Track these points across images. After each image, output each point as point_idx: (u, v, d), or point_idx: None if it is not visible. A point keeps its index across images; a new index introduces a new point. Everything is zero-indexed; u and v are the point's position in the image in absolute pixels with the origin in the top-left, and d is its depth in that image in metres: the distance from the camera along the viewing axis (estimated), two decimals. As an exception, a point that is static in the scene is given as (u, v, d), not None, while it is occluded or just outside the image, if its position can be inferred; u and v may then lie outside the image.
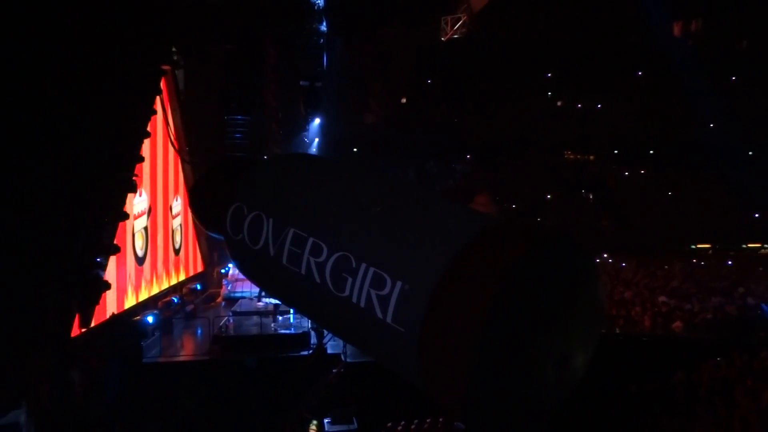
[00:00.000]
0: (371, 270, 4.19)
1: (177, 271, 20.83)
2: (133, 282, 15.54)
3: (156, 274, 17.84)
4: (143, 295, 16.30)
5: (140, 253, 16.35)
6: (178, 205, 21.04)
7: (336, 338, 14.36)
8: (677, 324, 18.23)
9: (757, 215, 37.92)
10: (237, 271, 21.19)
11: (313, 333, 15.41)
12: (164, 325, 16.13)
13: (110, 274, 12.56)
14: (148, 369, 13.36)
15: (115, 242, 11.85)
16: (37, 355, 9.16)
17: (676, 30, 38.81)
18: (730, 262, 31.38)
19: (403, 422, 12.63)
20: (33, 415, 8.82)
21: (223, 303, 20.56)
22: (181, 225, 21.36)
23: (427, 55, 41.04)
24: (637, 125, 39.73)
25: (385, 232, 4.38)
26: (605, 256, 30.07)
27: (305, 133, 28.13)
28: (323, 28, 21.06)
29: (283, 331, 15.70)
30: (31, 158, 8.28)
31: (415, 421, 12.66)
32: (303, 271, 4.62)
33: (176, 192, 20.92)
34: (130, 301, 15.10)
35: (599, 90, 41.46)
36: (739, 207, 37.89)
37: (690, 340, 17.13)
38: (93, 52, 9.36)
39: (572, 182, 41.31)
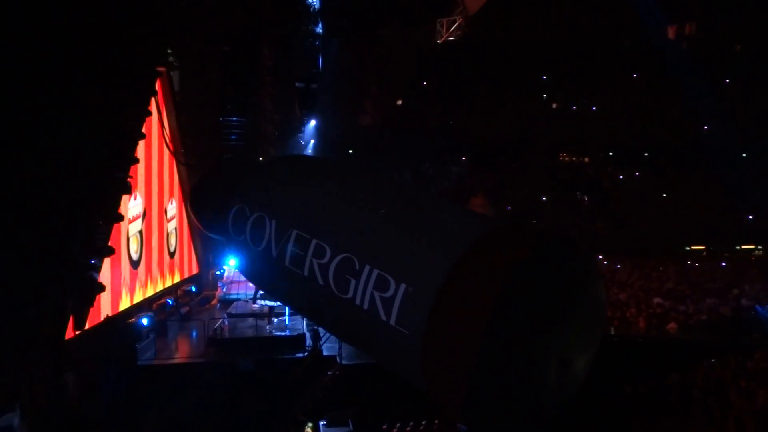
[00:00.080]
0: (375, 272, 4.19)
1: (172, 273, 20.75)
2: (128, 285, 15.48)
3: (151, 277, 17.76)
4: (138, 298, 16.23)
5: (135, 257, 16.26)
6: (173, 208, 20.97)
7: (332, 340, 14.36)
8: (672, 325, 18.28)
9: (751, 217, 38.08)
10: (232, 273, 21.19)
11: (308, 335, 15.38)
12: (159, 328, 16.06)
13: (105, 277, 12.50)
14: (142, 371, 13.31)
15: (109, 244, 11.82)
16: (31, 357, 9.12)
17: (671, 32, 38.94)
18: (724, 264, 31.47)
19: (398, 424, 12.62)
20: (27, 418, 8.77)
21: (218, 305, 20.49)
22: (176, 228, 21.31)
23: (422, 57, 41.11)
24: (633, 127, 39.88)
25: (389, 234, 4.38)
26: (600, 257, 30.11)
27: (301, 135, 28.13)
28: (319, 29, 21.05)
29: (278, 334, 15.66)
30: (25, 159, 8.25)
31: (411, 423, 12.65)
32: (306, 273, 4.62)
33: (171, 195, 20.85)
34: (124, 304, 15.02)
35: (595, 92, 41.60)
36: (734, 209, 38.04)
37: (685, 342, 17.18)
38: (88, 53, 9.34)
39: (568, 184, 41.40)
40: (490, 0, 35.79)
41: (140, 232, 16.74)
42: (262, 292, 16.97)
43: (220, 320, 16.82)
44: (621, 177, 42.84)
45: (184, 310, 18.84)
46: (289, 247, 4.75)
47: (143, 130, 14.21)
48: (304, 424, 12.75)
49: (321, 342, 14.76)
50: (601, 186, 41.83)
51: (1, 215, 7.89)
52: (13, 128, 8.06)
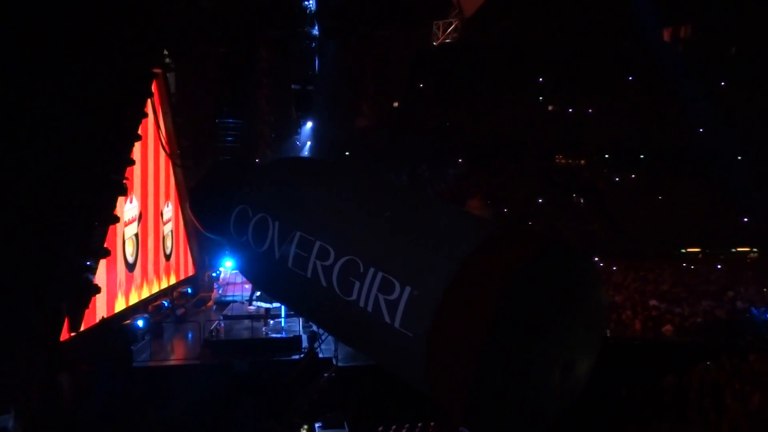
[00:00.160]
0: (380, 275, 4.20)
1: (168, 275, 20.76)
2: (123, 287, 15.44)
3: (146, 279, 17.73)
4: (133, 300, 16.21)
5: (131, 260, 16.23)
6: (169, 210, 20.98)
7: (328, 342, 14.35)
8: (667, 327, 18.32)
9: (746, 219, 38.19)
10: (228, 275, 21.16)
11: (304, 337, 15.37)
12: (154, 329, 16.03)
13: (100, 279, 12.47)
14: (138, 373, 13.29)
15: (105, 246, 11.79)
16: (27, 358, 9.09)
17: (667, 35, 39.08)
18: (719, 266, 31.54)
19: (394, 426, 12.62)
20: (21, 420, 8.74)
21: (214, 307, 20.47)
22: (172, 231, 21.31)
23: (419, 59, 41.15)
24: (629, 130, 39.96)
25: (393, 238, 4.39)
26: (596, 259, 30.17)
27: (297, 137, 28.11)
28: (315, 31, 21.07)
29: (274, 335, 15.65)
30: (20, 161, 8.23)
31: (407, 425, 12.65)
32: (309, 274, 4.62)
33: (167, 198, 20.86)
34: (119, 306, 15.00)
35: (590, 94, 41.67)
36: (729, 211, 38.14)
37: (680, 344, 17.21)
38: (84, 54, 9.33)
39: (564, 186, 41.46)
40: (486, 2, 35.84)
41: (136, 235, 16.70)
42: (258, 294, 16.96)
43: (216, 322, 16.81)
44: (617, 179, 42.94)
45: (180, 311, 18.82)
46: (292, 249, 4.75)
47: (139, 131, 14.21)
48: (300, 426, 12.73)
49: (317, 344, 14.75)
50: (597, 188, 41.91)
51: (-4, 216, 7.88)
52: (9, 129, 8.04)
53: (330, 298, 4.53)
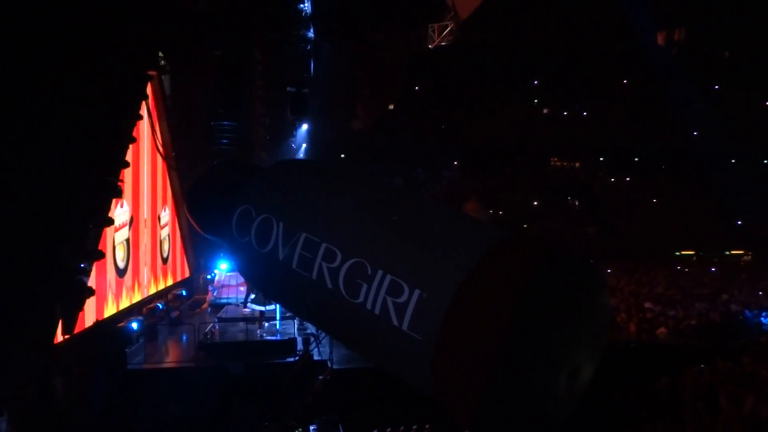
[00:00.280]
0: (388, 277, 4.19)
1: (165, 278, 20.95)
2: (114, 291, 15.27)
3: (138, 283, 17.55)
4: (124, 304, 16.02)
5: (121, 265, 16.01)
6: (166, 215, 21.11)
7: (323, 345, 14.34)
8: (662, 330, 18.39)
9: (740, 222, 38.36)
10: (223, 278, 21.13)
11: (299, 339, 15.36)
12: (149, 332, 15.98)
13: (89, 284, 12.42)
14: (132, 376, 13.24)
15: (99, 248, 11.77)
16: (20, 361, 9.06)
17: (661, 39, 39.25)
18: (713, 269, 31.67)
19: (389, 429, 12.61)
20: (15, 423, 8.71)
21: (209, 309, 20.43)
22: (169, 234, 21.45)
23: (414, 61, 41.24)
24: (623, 132, 40.12)
25: (402, 241, 4.38)
26: (591, 262, 30.19)
27: (293, 139, 28.09)
28: (311, 34, 21.07)
29: (269, 338, 15.62)
30: (14, 163, 8.21)
31: (402, 427, 12.64)
32: (314, 276, 4.59)
33: (164, 202, 20.97)
34: (110, 311, 14.81)
35: (585, 97, 41.83)
36: (723, 214, 38.30)
37: (674, 346, 17.27)
38: (79, 56, 9.32)
39: (559, 189, 41.58)
40: (481, 6, 35.95)
41: (127, 240, 16.51)
42: (253, 297, 16.95)
43: (211, 324, 16.76)
44: (611, 182, 43.09)
45: (175, 314, 18.76)
46: (297, 250, 4.72)
47: (133, 134, 14.18)
48: (295, 429, 12.71)
49: (312, 346, 14.74)
50: (591, 191, 42.05)
51: (-10, 219, 7.86)
52: (3, 131, 8.03)
53: (335, 300, 4.51)
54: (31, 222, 8.58)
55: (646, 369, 13.97)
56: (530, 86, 42.95)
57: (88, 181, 10.38)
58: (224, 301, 20.09)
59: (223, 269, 20.94)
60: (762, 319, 19.39)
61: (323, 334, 14.14)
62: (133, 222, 17.01)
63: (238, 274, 19.94)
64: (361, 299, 4.29)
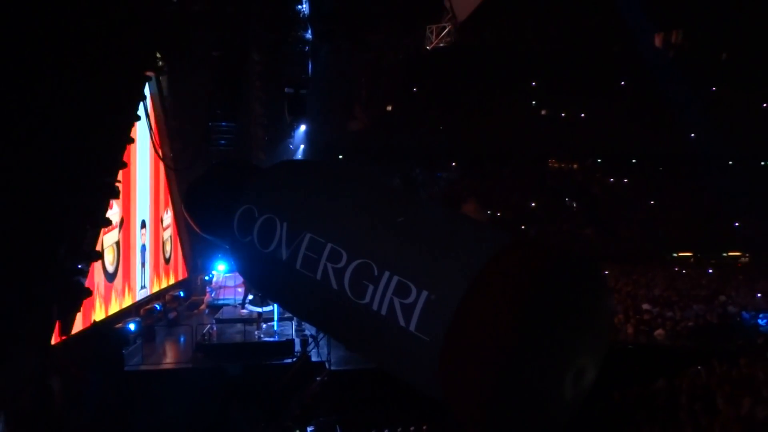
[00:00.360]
0: (395, 278, 4.19)
1: (167, 277, 21.44)
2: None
3: (129, 286, 17.28)
4: (113, 309, 15.68)
5: (110, 269, 15.56)
6: (168, 217, 21.34)
7: (320, 346, 14.33)
8: (659, 332, 18.41)
9: (737, 224, 38.41)
10: (221, 279, 21.14)
11: (297, 341, 15.36)
12: (146, 333, 15.97)
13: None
14: (129, 377, 13.22)
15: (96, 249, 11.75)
16: (17, 362, 9.04)
17: (658, 40, 39.33)
18: (711, 271, 31.71)
19: (386, 430, 12.61)
20: (11, 424, 8.69)
21: (207, 310, 20.44)
22: (171, 236, 21.70)
23: (412, 62, 41.26)
24: (621, 134, 40.17)
25: (409, 242, 4.38)
26: (594, 264, 30.18)
27: (290, 140, 28.08)
28: (309, 35, 21.07)
29: (266, 339, 15.62)
30: (11, 163, 8.20)
31: (399, 429, 12.64)
32: (318, 277, 4.59)
33: (167, 204, 21.16)
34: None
35: (583, 99, 41.86)
36: (720, 216, 38.36)
37: (672, 348, 17.29)
38: (77, 57, 9.31)
39: (557, 190, 41.61)
40: (479, 7, 35.97)
41: (117, 243, 16.19)
42: (251, 297, 16.95)
43: (209, 325, 16.76)
44: (609, 183, 43.14)
45: (172, 315, 18.76)
46: (302, 250, 4.71)
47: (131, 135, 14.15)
48: (292, 430, 12.71)
49: (309, 348, 14.73)
50: (589, 192, 42.08)
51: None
52: (0, 131, 8.01)
53: (340, 301, 4.50)
54: (28, 222, 8.56)
55: (643, 370, 13.97)
56: (528, 88, 42.97)
57: (86, 181, 10.36)
58: (222, 302, 20.11)
59: (220, 270, 20.95)
60: (759, 320, 19.42)
61: (321, 335, 14.17)
62: (123, 224, 16.77)
63: (237, 274, 20.00)
64: (367, 300, 4.28)
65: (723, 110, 38.67)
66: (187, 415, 11.94)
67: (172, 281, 21.74)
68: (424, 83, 41.62)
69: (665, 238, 37.85)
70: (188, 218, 6.68)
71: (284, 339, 15.46)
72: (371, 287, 4.29)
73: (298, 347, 15.04)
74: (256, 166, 6.67)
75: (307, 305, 5.23)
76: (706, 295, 22.97)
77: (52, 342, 10.62)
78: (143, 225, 18.84)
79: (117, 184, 12.33)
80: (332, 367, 14.23)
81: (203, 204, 6.14)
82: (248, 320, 16.50)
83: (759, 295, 22.32)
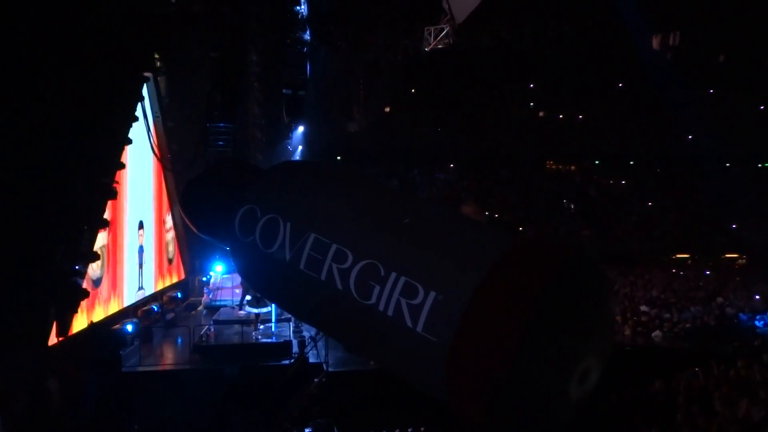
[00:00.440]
0: (402, 279, 4.18)
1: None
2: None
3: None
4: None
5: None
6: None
7: (318, 347, 14.33)
8: (657, 333, 18.44)
9: (734, 226, 38.48)
10: (218, 280, 21.13)
11: (295, 342, 15.35)
12: (144, 334, 15.95)
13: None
14: (127, 378, 13.21)
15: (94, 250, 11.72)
16: (14, 363, 9.02)
17: (656, 42, 39.37)
18: (708, 272, 31.74)
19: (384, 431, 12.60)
20: (7, 426, 8.67)
21: (204, 311, 20.42)
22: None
23: (410, 64, 41.23)
24: (619, 136, 40.24)
25: (416, 243, 4.38)
26: (600, 267, 30.22)
27: (288, 141, 28.07)
28: (307, 36, 21.08)
29: (264, 340, 15.62)
30: (9, 163, 8.19)
31: (397, 430, 12.63)
32: (323, 277, 4.57)
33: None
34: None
35: (581, 101, 41.93)
36: (718, 218, 38.43)
37: (669, 349, 17.31)
38: (75, 57, 9.30)
39: (554, 192, 41.65)
40: (477, 9, 35.95)
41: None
42: (248, 299, 16.94)
43: (206, 327, 16.76)
44: (607, 185, 43.19)
45: (170, 316, 18.74)
46: (306, 251, 4.69)
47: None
48: (290, 432, 12.70)
49: (307, 349, 14.73)
50: (587, 194, 42.13)
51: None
52: (-2, 132, 8.00)
53: (345, 301, 4.48)
54: (25, 223, 8.55)
55: (640, 372, 13.99)
56: (526, 89, 43.02)
57: (83, 182, 10.35)
58: (219, 303, 20.11)
59: (218, 271, 20.95)
60: (756, 322, 19.46)
61: (320, 336, 14.16)
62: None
63: (235, 276, 20.01)
64: (373, 300, 4.26)
65: (720, 112, 38.74)
66: (184, 417, 11.93)
67: (175, 279, 22.12)
68: (422, 85, 41.62)
69: (663, 240, 37.89)
70: (185, 219, 6.64)
71: (282, 340, 15.47)
72: (377, 288, 4.27)
73: (295, 348, 15.04)
74: (256, 167, 6.64)
75: (309, 306, 5.20)
76: (704, 296, 22.99)
77: (50, 343, 10.59)
78: (141, 226, 18.80)
79: (115, 185, 12.32)
80: (330, 369, 14.24)
81: (201, 204, 6.11)
82: (246, 321, 16.49)
83: (757, 297, 22.37)
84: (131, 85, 13.33)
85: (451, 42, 41.51)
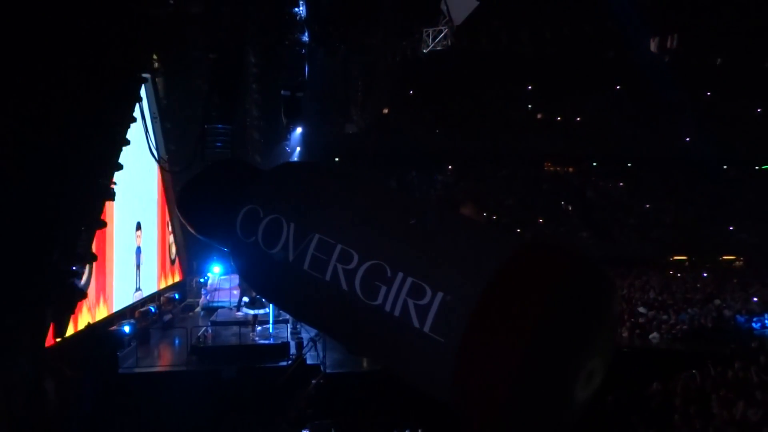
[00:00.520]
0: (409, 279, 4.16)
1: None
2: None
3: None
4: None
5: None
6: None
7: (317, 349, 14.33)
8: (654, 335, 18.46)
9: (732, 228, 38.56)
10: (216, 281, 21.11)
11: (292, 343, 15.34)
12: (141, 335, 15.92)
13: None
14: (124, 380, 13.19)
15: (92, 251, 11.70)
16: (10, 364, 9.00)
17: (654, 45, 39.46)
18: (705, 274, 31.81)
19: (382, 433, 12.60)
20: (4, 428, 8.65)
21: (202, 313, 20.39)
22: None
23: (409, 66, 41.27)
24: (617, 138, 40.33)
25: (423, 244, 4.36)
26: (606, 268, 30.26)
27: (286, 142, 28.08)
28: (305, 38, 21.07)
29: (262, 342, 15.60)
30: (5, 164, 8.17)
31: (395, 431, 12.62)
32: (327, 278, 4.54)
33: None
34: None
35: (579, 103, 42.01)
36: (715, 220, 38.51)
37: (666, 351, 17.34)
38: (73, 58, 9.29)
39: (552, 194, 41.71)
40: (475, 11, 36.00)
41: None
42: (246, 300, 16.93)
43: (204, 328, 16.73)
44: (605, 187, 43.26)
45: (167, 317, 18.71)
46: (310, 251, 4.67)
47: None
48: (287, 433, 12.68)
49: (305, 350, 14.73)
50: (585, 196, 42.18)
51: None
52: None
53: (350, 302, 4.45)
54: (22, 224, 8.53)
55: (638, 373, 14.00)
56: (524, 91, 43.11)
57: (81, 183, 10.33)
58: (217, 304, 20.08)
59: (216, 273, 20.93)
60: (753, 324, 19.51)
61: (318, 337, 14.16)
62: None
63: (232, 277, 20.00)
64: (379, 301, 4.24)
65: (717, 115, 38.85)
66: (181, 418, 11.91)
67: (177, 278, 22.54)
68: (420, 86, 41.69)
69: (660, 242, 37.97)
70: (182, 219, 6.61)
71: (279, 342, 15.45)
72: (384, 288, 4.25)
73: (293, 350, 15.02)
74: (255, 167, 6.61)
75: (312, 307, 5.16)
76: (701, 298, 23.06)
77: (46, 344, 10.56)
78: (138, 227, 18.77)
79: (112, 185, 12.30)
80: (327, 370, 14.23)
81: (200, 205, 6.06)
82: (243, 323, 16.47)
83: (755, 299, 22.43)
84: (129, 86, 13.30)
85: (450, 44, 41.58)
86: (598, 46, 39.40)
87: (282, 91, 18.71)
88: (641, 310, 20.60)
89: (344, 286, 4.45)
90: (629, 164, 42.84)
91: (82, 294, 10.98)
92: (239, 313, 17.48)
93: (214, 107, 16.21)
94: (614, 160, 42.34)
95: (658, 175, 41.95)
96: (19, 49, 8.22)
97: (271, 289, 5.83)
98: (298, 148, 29.91)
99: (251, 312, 16.58)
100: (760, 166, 42.73)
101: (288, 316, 16.46)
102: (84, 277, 14.74)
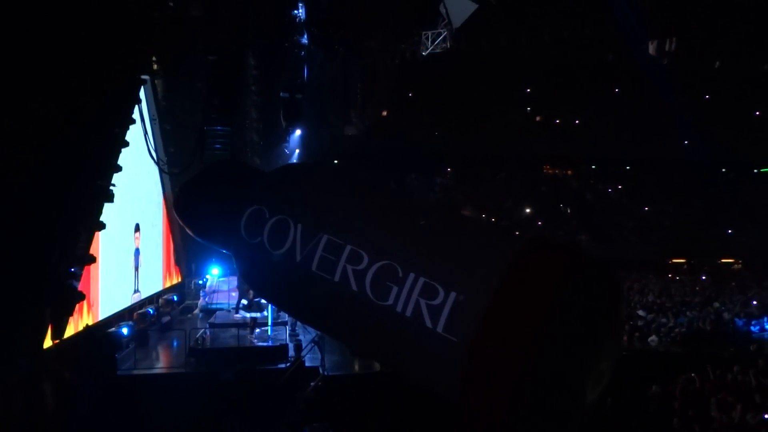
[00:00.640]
0: (421, 280, 4.15)
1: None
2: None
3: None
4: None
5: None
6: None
7: (314, 351, 14.30)
8: (653, 338, 18.44)
9: (730, 231, 38.58)
10: (214, 283, 21.07)
11: (291, 345, 15.32)
12: (139, 337, 15.88)
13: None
14: (122, 381, 13.16)
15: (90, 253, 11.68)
16: (8, 366, 8.98)
17: (653, 48, 39.52)
18: (704, 277, 31.81)
19: (380, 436, 12.57)
20: (2, 429, 8.63)
21: (200, 315, 20.35)
22: None
23: (408, 68, 41.30)
24: (615, 141, 40.34)
25: (434, 244, 4.36)
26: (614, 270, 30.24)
27: (286, 144, 28.08)
28: (305, 40, 21.09)
29: (260, 344, 15.57)
30: (5, 165, 8.17)
31: (393, 434, 12.61)
32: (337, 279, 4.51)
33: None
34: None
35: (578, 106, 42.03)
36: (714, 223, 38.52)
37: (665, 354, 17.32)
38: (72, 59, 9.29)
39: (551, 196, 41.71)
40: (474, 14, 36.04)
41: None
42: (244, 302, 16.91)
43: (202, 330, 16.68)
44: (603, 189, 43.27)
45: (165, 319, 18.66)
46: (318, 252, 4.64)
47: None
48: (286, 436, 12.66)
49: (304, 352, 14.71)
50: (583, 198, 42.19)
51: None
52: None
53: (359, 303, 4.43)
54: (21, 225, 8.52)
55: (637, 376, 13.99)
56: (523, 94, 43.13)
57: (80, 185, 10.32)
58: (215, 306, 20.04)
59: (214, 274, 20.89)
60: (752, 327, 19.50)
61: (320, 338, 14.14)
62: None
63: (231, 279, 19.97)
64: (390, 301, 4.22)
65: (716, 117, 38.88)
66: (179, 420, 11.88)
67: (176, 280, 22.67)
68: (419, 89, 41.71)
69: (659, 245, 37.97)
70: (180, 221, 6.54)
71: (278, 344, 15.41)
72: (395, 289, 4.24)
73: (292, 352, 15.00)
74: (254, 168, 6.59)
75: (319, 308, 5.13)
76: (700, 301, 23.06)
77: (45, 346, 10.55)
78: (137, 229, 18.74)
79: (112, 187, 12.28)
80: (326, 372, 14.20)
81: (199, 206, 6.00)
82: (242, 325, 16.44)
83: (753, 302, 22.42)
84: (128, 88, 13.31)
85: (449, 46, 41.61)
86: (597, 49, 39.45)
87: (281, 93, 18.71)
88: (640, 313, 20.59)
89: (354, 286, 4.43)
90: (628, 167, 42.85)
91: (81, 296, 10.97)
92: (238, 315, 17.45)
93: (214, 109, 16.20)
94: (613, 163, 42.34)
95: (656, 177, 41.95)
96: (19, 50, 8.22)
97: (275, 291, 5.78)
98: (297, 150, 29.90)
99: (248, 315, 16.56)
100: (758, 168, 42.75)
101: (287, 318, 16.44)
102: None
